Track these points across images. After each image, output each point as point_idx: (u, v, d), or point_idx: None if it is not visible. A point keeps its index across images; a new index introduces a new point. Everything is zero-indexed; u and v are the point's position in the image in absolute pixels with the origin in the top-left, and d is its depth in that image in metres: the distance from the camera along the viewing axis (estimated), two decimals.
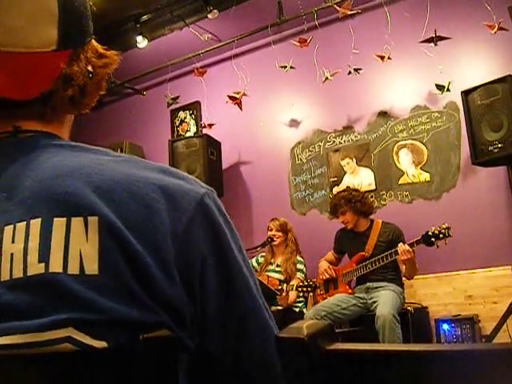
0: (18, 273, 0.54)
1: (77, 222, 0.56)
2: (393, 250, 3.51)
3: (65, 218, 0.56)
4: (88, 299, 0.53)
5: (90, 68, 0.70)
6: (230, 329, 0.62)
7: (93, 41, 0.74)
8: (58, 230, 0.55)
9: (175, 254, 0.58)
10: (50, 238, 0.55)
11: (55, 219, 0.56)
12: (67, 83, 0.67)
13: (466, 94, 3.71)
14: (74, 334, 0.52)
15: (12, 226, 0.56)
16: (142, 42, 4.99)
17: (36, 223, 0.56)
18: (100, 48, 0.75)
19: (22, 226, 0.56)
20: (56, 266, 0.54)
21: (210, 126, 5.13)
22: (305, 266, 4.06)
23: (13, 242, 0.55)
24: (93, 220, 0.56)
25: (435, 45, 4.12)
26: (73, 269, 0.54)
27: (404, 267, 3.54)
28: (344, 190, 4.02)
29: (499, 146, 3.50)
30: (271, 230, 4.14)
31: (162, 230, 0.59)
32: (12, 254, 0.55)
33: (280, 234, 4.10)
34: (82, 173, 0.60)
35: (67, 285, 0.53)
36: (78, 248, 0.55)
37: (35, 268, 0.54)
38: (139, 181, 0.61)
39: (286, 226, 4.14)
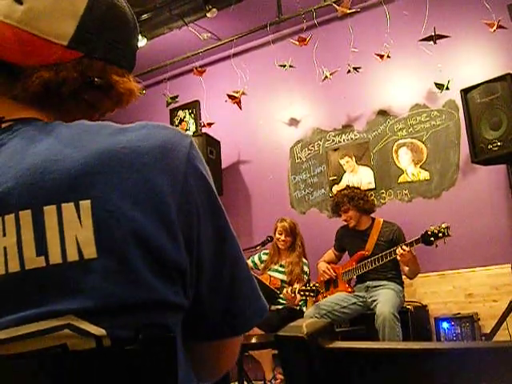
0: (14, 267, 0.53)
1: (68, 208, 0.55)
2: (392, 249, 3.50)
3: (55, 206, 0.55)
4: (89, 286, 0.53)
5: (95, 80, 0.68)
6: (223, 274, 0.64)
7: (119, 71, 0.75)
8: (50, 220, 0.54)
9: (176, 212, 0.58)
10: (43, 229, 0.54)
11: (45, 208, 0.54)
12: (52, 70, 0.64)
13: (465, 92, 3.71)
14: (73, 321, 0.52)
15: (1, 218, 0.55)
16: (140, 40, 4.98)
17: (26, 214, 0.54)
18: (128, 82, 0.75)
19: (11, 217, 0.54)
20: (55, 257, 0.53)
21: (210, 124, 5.12)
22: (309, 267, 4.04)
23: (4, 235, 0.54)
24: (85, 204, 0.55)
25: (434, 43, 4.12)
26: (72, 256, 0.54)
27: (406, 268, 3.54)
28: (345, 188, 4.01)
29: (499, 144, 3.49)
30: (281, 233, 4.03)
31: (159, 191, 0.58)
32: (5, 248, 0.54)
33: (289, 238, 4.03)
34: (65, 155, 0.58)
35: (69, 274, 0.53)
36: (74, 234, 0.54)
37: (34, 262, 0.53)
38: (125, 146, 0.59)
39: (295, 229, 4.06)
